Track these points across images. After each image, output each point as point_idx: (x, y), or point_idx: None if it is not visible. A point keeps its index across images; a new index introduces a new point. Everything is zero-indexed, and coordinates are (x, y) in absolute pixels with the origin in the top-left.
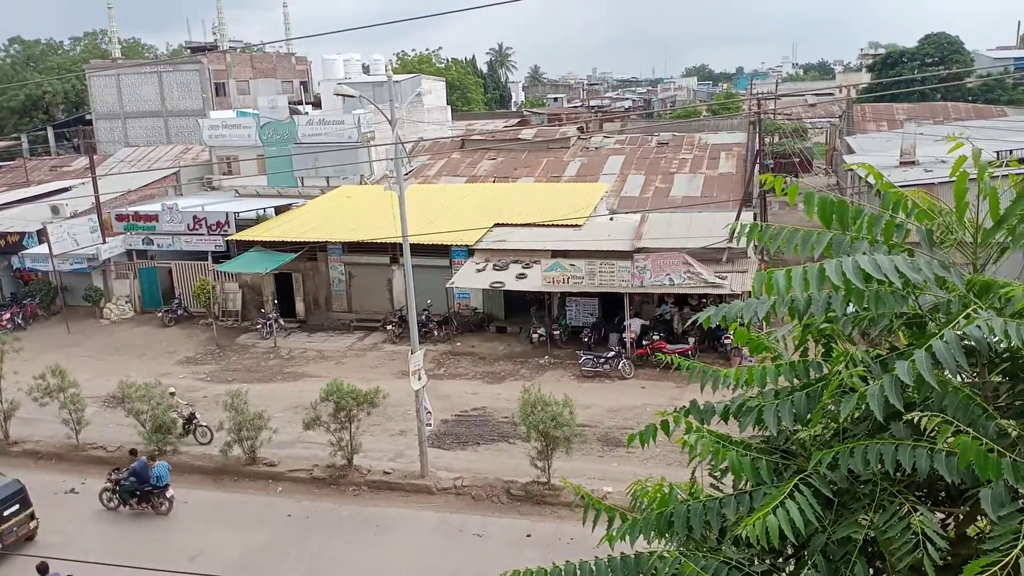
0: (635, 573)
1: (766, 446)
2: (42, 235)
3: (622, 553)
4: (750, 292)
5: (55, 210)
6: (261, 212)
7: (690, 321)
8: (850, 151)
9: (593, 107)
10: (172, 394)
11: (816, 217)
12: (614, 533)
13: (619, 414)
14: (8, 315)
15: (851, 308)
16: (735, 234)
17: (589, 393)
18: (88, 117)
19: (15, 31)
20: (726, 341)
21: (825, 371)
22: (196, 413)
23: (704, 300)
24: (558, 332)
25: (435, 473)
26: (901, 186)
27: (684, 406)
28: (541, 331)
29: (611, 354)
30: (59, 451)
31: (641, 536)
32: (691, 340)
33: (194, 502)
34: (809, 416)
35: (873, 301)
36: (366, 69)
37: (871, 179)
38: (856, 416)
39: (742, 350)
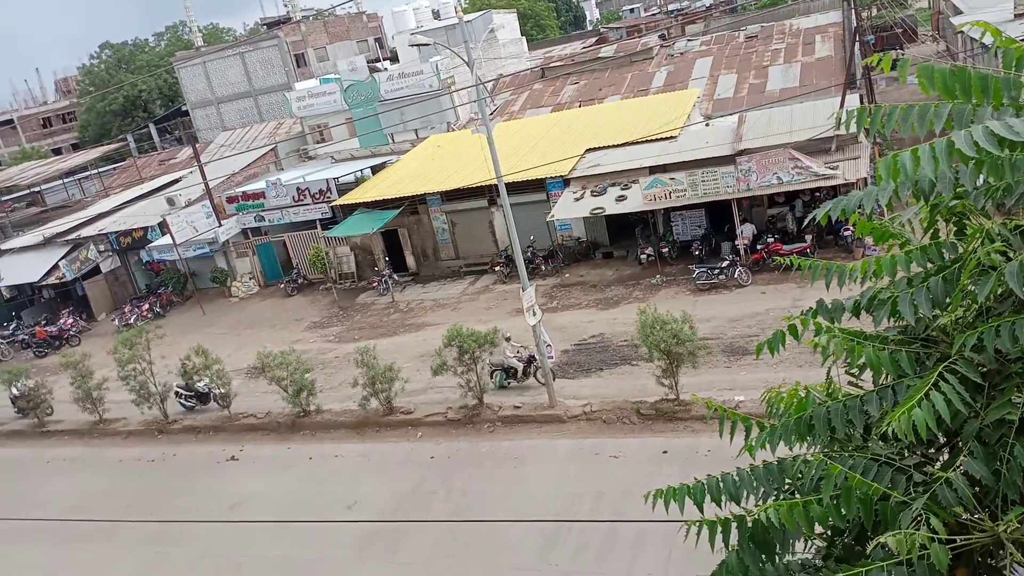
0: (780, 480)
1: (904, 337)
2: (163, 227)
3: (764, 461)
4: (866, 179)
5: (171, 202)
6: (359, 174)
7: (808, 218)
8: (957, 12)
9: (672, 11)
10: (508, 339)
11: (934, 91)
12: (753, 442)
13: (741, 323)
14: (147, 305)
15: (981, 180)
16: (842, 122)
17: (707, 306)
18: (184, 108)
19: (102, 37)
20: (846, 233)
21: (960, 251)
22: (535, 356)
23: (818, 194)
24: (666, 249)
25: (563, 402)
26: (1022, 41)
27: (811, 307)
28: (649, 251)
29: (725, 264)
30: (215, 424)
31: (782, 442)
32: (808, 238)
33: (343, 454)
34: (948, 300)
35: (1008, 168)
36: (436, 14)
37: (988, 38)
38: (999, 293)
39: (865, 241)
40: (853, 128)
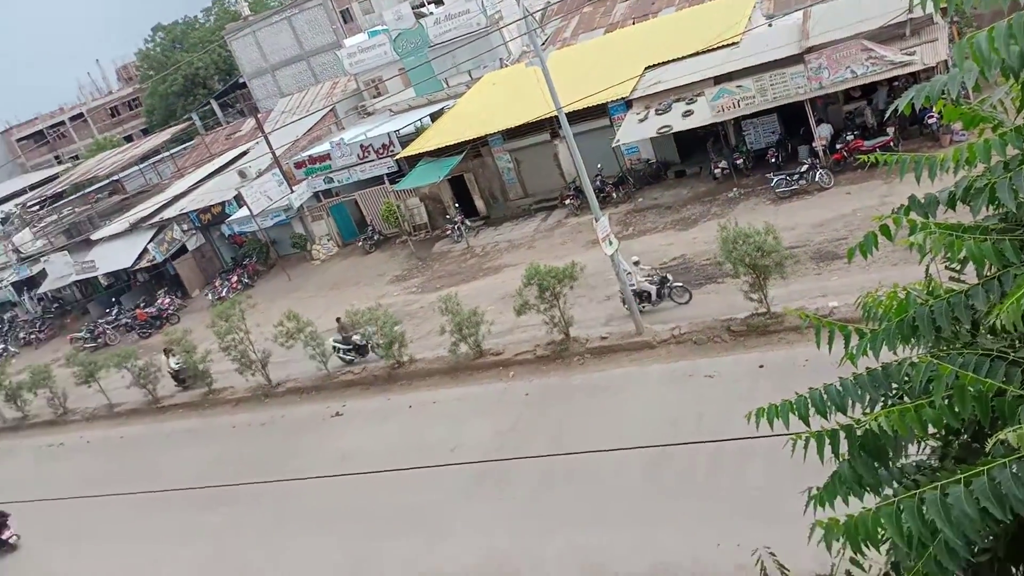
0: (886, 385)
1: (1007, 225)
2: (239, 200)
3: (867, 368)
4: (947, 62)
5: (242, 175)
6: (418, 124)
7: (890, 109)
8: None
9: None
10: (637, 263)
11: None
12: (854, 350)
13: (828, 227)
14: (235, 278)
15: None
16: (916, 3)
17: (790, 214)
18: (241, 80)
19: (151, 19)
20: (931, 121)
21: None
22: (668, 276)
23: (896, 83)
24: (741, 160)
25: (651, 328)
26: None
27: (902, 204)
28: (723, 164)
29: (804, 168)
30: (316, 384)
31: (884, 347)
32: (890, 131)
33: (440, 400)
34: None
35: None
36: None
37: None
38: None
39: (952, 127)
40: (929, 8)
